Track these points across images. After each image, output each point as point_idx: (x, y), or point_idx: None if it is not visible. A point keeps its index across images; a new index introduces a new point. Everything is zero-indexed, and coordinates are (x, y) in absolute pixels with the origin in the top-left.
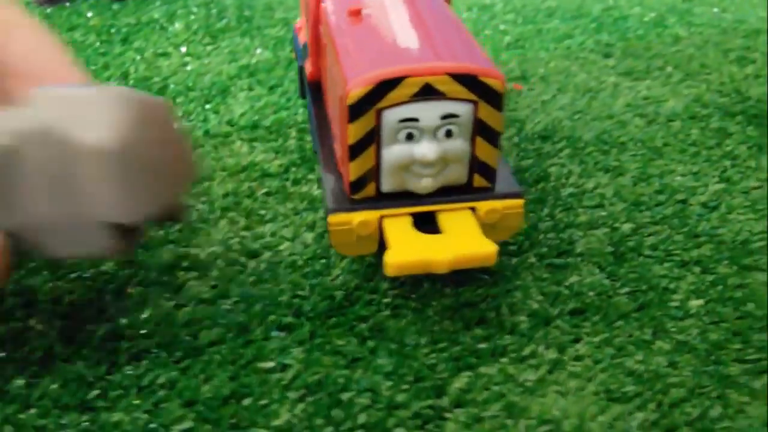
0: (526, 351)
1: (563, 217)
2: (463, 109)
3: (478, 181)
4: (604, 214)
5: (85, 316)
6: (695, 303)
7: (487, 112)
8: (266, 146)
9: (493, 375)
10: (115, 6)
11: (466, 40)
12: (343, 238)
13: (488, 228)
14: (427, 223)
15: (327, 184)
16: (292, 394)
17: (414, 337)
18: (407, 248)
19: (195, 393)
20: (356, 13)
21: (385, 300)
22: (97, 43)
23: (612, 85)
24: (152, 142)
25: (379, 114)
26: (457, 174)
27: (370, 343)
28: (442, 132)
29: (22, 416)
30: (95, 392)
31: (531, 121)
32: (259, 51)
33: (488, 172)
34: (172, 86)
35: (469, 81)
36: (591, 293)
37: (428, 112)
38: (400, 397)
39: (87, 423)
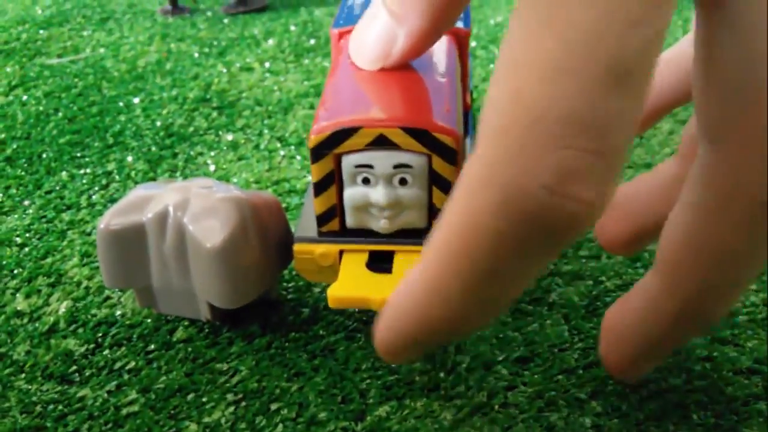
0: (457, 390)
1: (550, 265)
2: (416, 161)
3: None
4: (594, 265)
5: (91, 302)
6: None
7: (440, 165)
8: (305, 164)
9: (416, 408)
10: (226, 20)
11: (441, 95)
12: (305, 265)
13: None
14: (387, 262)
15: (301, 215)
16: (230, 396)
17: (358, 361)
18: (351, 284)
19: (152, 382)
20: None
21: (347, 322)
22: (196, 54)
23: (666, 132)
24: (256, 239)
25: (338, 158)
26: (415, 218)
27: (317, 361)
28: (396, 179)
29: (13, 380)
30: (75, 368)
31: None
32: None
33: None
34: (243, 100)
35: (421, 135)
36: (545, 344)
37: (381, 161)
38: (323, 415)
39: (57, 394)
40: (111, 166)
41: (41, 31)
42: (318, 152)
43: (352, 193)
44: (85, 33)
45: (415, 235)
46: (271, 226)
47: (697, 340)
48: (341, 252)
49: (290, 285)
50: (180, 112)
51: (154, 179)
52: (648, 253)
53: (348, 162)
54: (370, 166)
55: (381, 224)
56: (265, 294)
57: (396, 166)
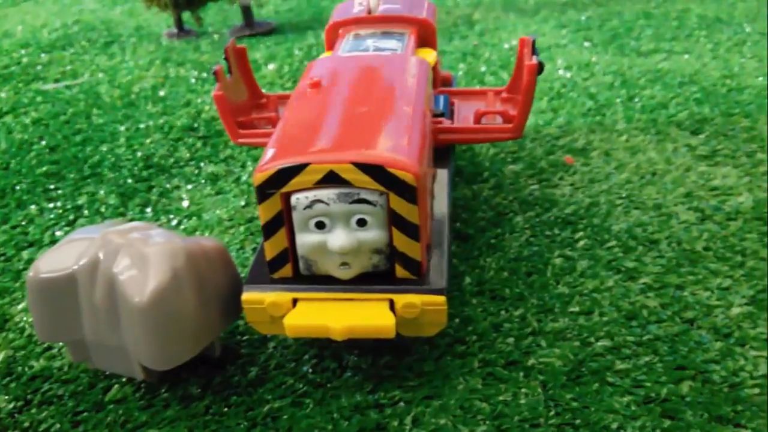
0: None
1: (533, 321)
2: (372, 198)
3: (401, 272)
4: (583, 323)
5: (31, 351)
6: None
7: (398, 204)
8: None
9: None
10: None
11: (403, 125)
12: (256, 316)
13: (409, 322)
14: None
15: (253, 261)
16: None
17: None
18: (309, 312)
19: None
20: (316, 86)
21: (297, 385)
22: (193, 80)
23: (682, 169)
24: (190, 293)
25: (286, 198)
26: (377, 263)
27: (256, 431)
28: (354, 221)
29: None
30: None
31: (564, 202)
32: None
33: (411, 264)
34: None
35: (375, 171)
36: (516, 417)
37: (333, 199)
38: None
39: None
40: (82, 200)
41: (43, 55)
42: (263, 191)
43: (305, 240)
44: (86, 57)
45: (375, 281)
46: (212, 276)
47: (694, 419)
48: (295, 301)
49: (245, 338)
50: (164, 142)
51: (123, 215)
52: (646, 310)
53: (296, 202)
54: (324, 204)
55: (340, 271)
56: (206, 352)
57: (351, 203)
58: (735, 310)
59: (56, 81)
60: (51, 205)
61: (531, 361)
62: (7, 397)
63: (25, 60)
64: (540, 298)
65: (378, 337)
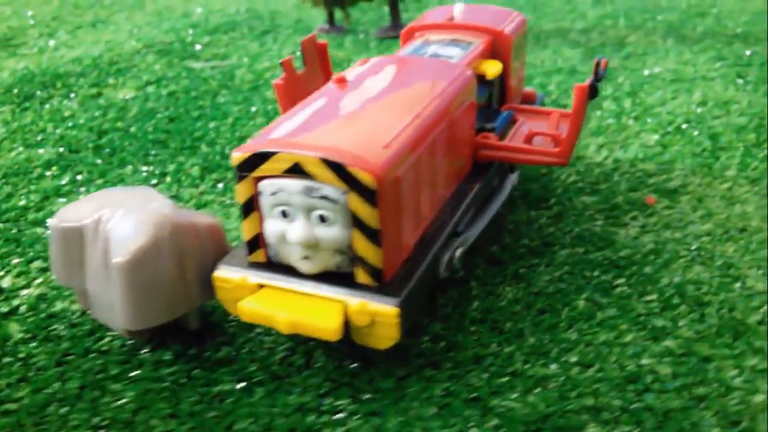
0: None
1: (520, 361)
2: (334, 195)
3: (361, 276)
4: (575, 375)
5: (62, 294)
6: None
7: (358, 205)
8: None
9: None
10: (372, 44)
11: (393, 129)
12: (225, 296)
13: (361, 330)
14: None
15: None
16: (96, 420)
17: (234, 419)
18: (264, 300)
19: (47, 385)
20: (341, 81)
21: (257, 373)
22: None
23: (698, 191)
24: (170, 261)
25: (256, 183)
26: (340, 263)
27: (198, 407)
28: (315, 216)
29: None
30: None
31: (622, 243)
32: None
33: (371, 270)
34: None
35: (338, 169)
36: None
37: (296, 190)
38: None
39: None
40: (171, 168)
41: (206, 37)
42: (240, 173)
43: (270, 227)
44: (242, 42)
45: (334, 282)
46: (198, 249)
47: None
48: (259, 287)
49: (236, 318)
50: (264, 125)
51: (196, 187)
52: (652, 376)
53: (264, 188)
54: (287, 196)
55: (301, 264)
56: (182, 320)
57: (312, 197)
58: (758, 398)
59: (206, 60)
60: (144, 168)
61: (495, 402)
62: (22, 328)
63: (188, 39)
64: (540, 339)
65: (320, 337)
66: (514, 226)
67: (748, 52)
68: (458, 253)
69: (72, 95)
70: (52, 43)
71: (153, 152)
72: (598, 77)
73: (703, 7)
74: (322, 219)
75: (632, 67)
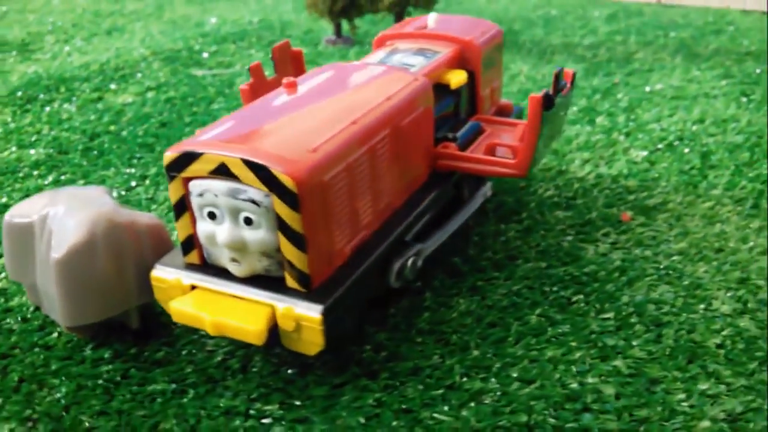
0: None
1: (458, 374)
2: (258, 198)
3: (290, 281)
4: (513, 391)
5: (21, 289)
6: None
7: (282, 208)
8: None
9: None
10: None
11: (327, 133)
12: (161, 295)
13: (289, 335)
14: None
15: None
16: (26, 411)
17: (158, 422)
18: (195, 301)
19: None
20: (291, 86)
21: (192, 375)
22: None
23: (756, 251)
24: (105, 260)
25: (186, 183)
26: (268, 266)
27: (126, 406)
28: (241, 218)
29: None
30: None
31: (588, 260)
32: None
33: (299, 275)
34: None
35: (261, 171)
36: None
37: (221, 191)
38: None
39: None
40: (152, 171)
41: (214, 45)
42: (169, 173)
43: (200, 228)
44: (248, 52)
45: (263, 286)
46: (136, 249)
47: None
48: (192, 288)
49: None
50: None
51: None
52: (594, 396)
53: (192, 189)
54: (213, 197)
55: (231, 267)
56: (123, 319)
57: (237, 200)
58: (702, 424)
59: (209, 68)
60: (127, 171)
61: (425, 414)
62: None
63: (196, 47)
64: (485, 352)
65: (244, 340)
66: (480, 238)
67: (758, 70)
68: (410, 262)
69: (73, 99)
70: (66, 49)
71: (139, 155)
72: (557, 88)
73: (720, 25)
74: (248, 221)
75: (634, 83)
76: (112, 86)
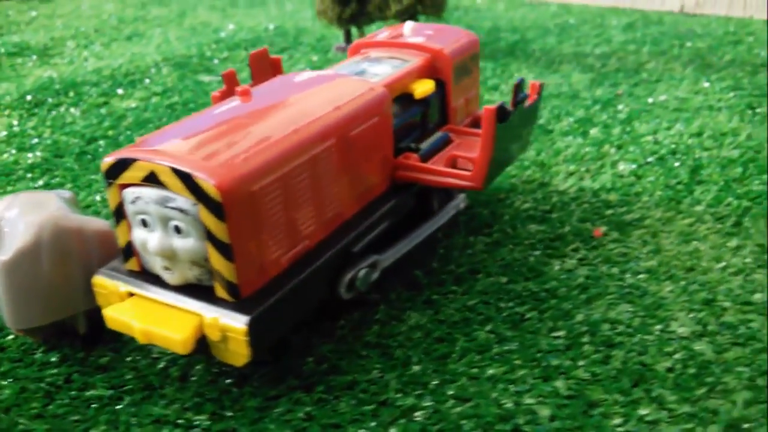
0: None
1: (393, 390)
2: (185, 206)
3: (220, 290)
4: (445, 409)
5: None
6: None
7: (208, 217)
8: None
9: None
10: None
11: (265, 143)
12: (103, 301)
13: (217, 345)
14: None
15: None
16: None
17: (87, 428)
18: (129, 308)
19: None
20: (244, 94)
21: (132, 381)
22: None
23: (729, 271)
24: (50, 264)
25: (122, 190)
26: (199, 276)
27: (61, 410)
28: (171, 226)
29: None
30: None
31: (550, 276)
32: None
33: (227, 285)
34: None
35: (186, 179)
36: None
37: (151, 199)
38: None
39: None
40: None
41: (226, 52)
42: (106, 180)
43: (134, 235)
44: None
45: (197, 294)
46: (83, 254)
47: None
48: (129, 295)
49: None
50: None
51: None
52: (528, 417)
53: (125, 196)
54: (144, 205)
55: (164, 275)
56: (68, 323)
57: (166, 207)
58: None
59: (217, 75)
60: None
61: (351, 430)
62: None
63: (208, 54)
64: (425, 368)
65: (170, 349)
66: (445, 251)
67: None
68: (362, 273)
69: (80, 103)
70: (84, 54)
71: None
72: (517, 99)
73: (739, 35)
74: (178, 230)
75: (638, 94)
76: (119, 91)
